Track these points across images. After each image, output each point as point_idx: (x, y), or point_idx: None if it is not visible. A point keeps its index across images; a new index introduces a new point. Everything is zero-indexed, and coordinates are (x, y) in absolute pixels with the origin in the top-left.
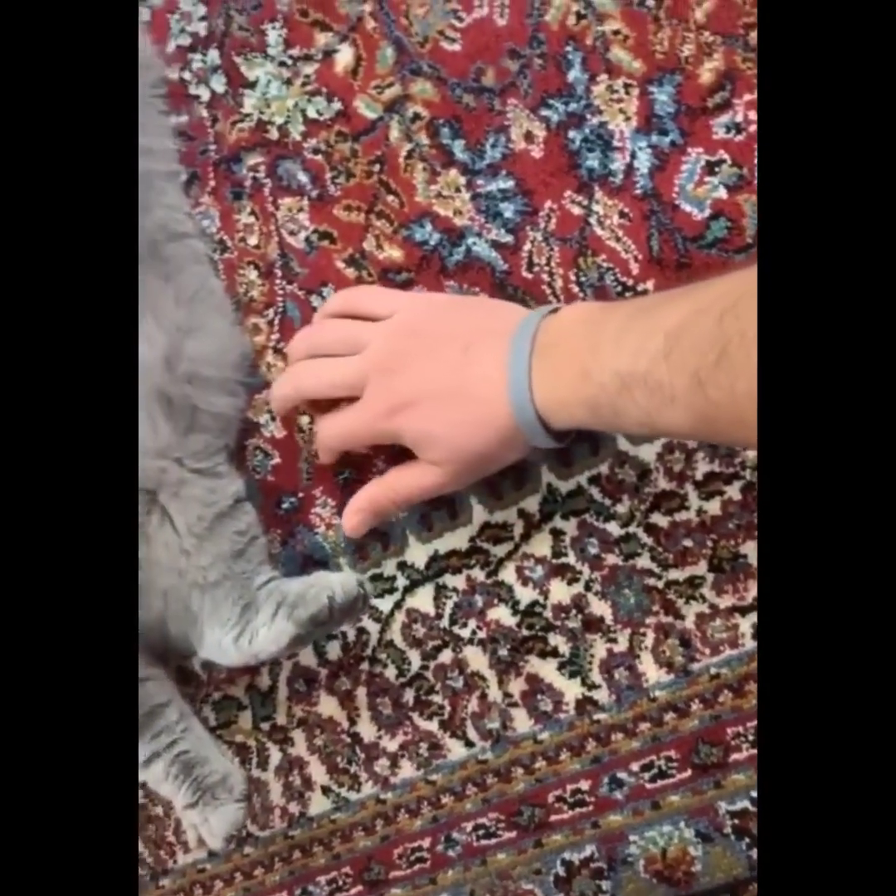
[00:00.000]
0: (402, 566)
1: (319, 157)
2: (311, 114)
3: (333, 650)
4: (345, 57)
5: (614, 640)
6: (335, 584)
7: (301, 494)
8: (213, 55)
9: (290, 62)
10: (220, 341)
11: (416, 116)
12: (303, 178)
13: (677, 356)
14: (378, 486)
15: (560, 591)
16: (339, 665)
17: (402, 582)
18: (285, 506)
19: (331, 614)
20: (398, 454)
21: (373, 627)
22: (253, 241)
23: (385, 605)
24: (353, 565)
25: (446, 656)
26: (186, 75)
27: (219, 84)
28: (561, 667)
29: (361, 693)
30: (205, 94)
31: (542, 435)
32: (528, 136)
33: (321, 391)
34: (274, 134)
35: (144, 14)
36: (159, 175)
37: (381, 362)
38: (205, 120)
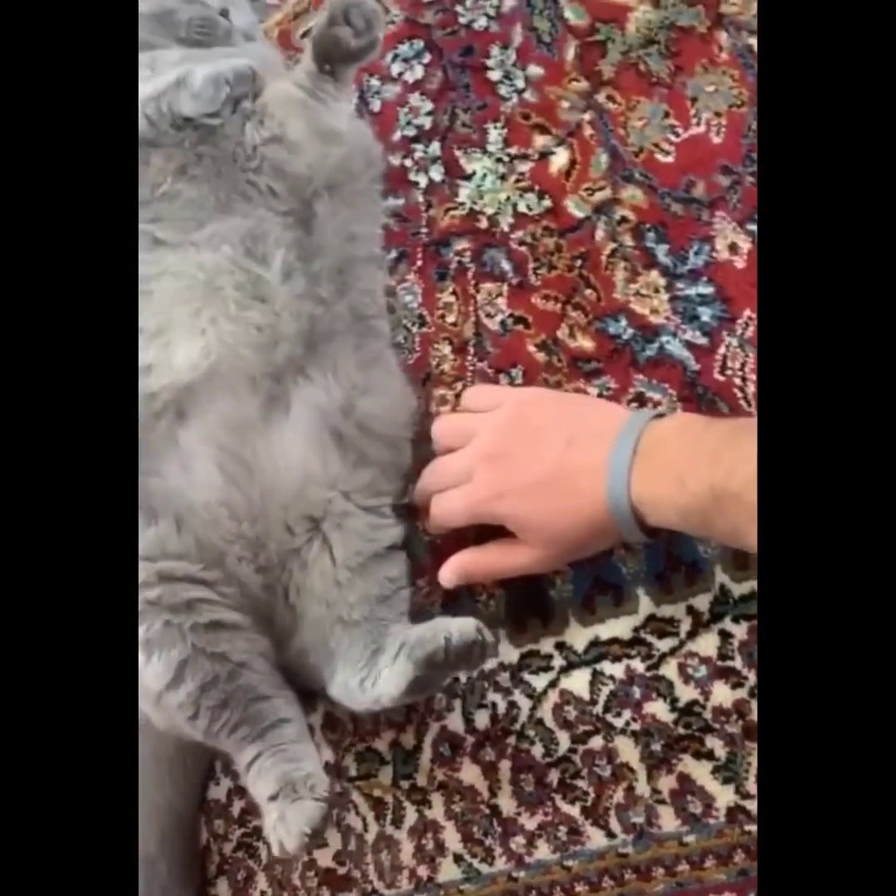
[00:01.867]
0: (560, 646)
1: (524, 249)
2: (522, 208)
3: (482, 719)
4: (560, 159)
5: None
6: (453, 627)
7: None
8: (435, 147)
9: (507, 159)
10: (392, 400)
11: (624, 219)
12: (506, 265)
13: None
14: (478, 556)
15: (722, 694)
16: (485, 735)
17: (558, 662)
18: None
19: (446, 656)
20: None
21: (524, 703)
22: (451, 319)
23: (539, 682)
24: (511, 638)
25: (596, 743)
26: (408, 163)
27: (437, 173)
28: (715, 771)
29: (505, 766)
30: (423, 181)
31: (636, 531)
32: (733, 248)
33: (443, 486)
34: (483, 223)
35: (375, 105)
36: (359, 260)
37: (486, 450)
38: (420, 204)
